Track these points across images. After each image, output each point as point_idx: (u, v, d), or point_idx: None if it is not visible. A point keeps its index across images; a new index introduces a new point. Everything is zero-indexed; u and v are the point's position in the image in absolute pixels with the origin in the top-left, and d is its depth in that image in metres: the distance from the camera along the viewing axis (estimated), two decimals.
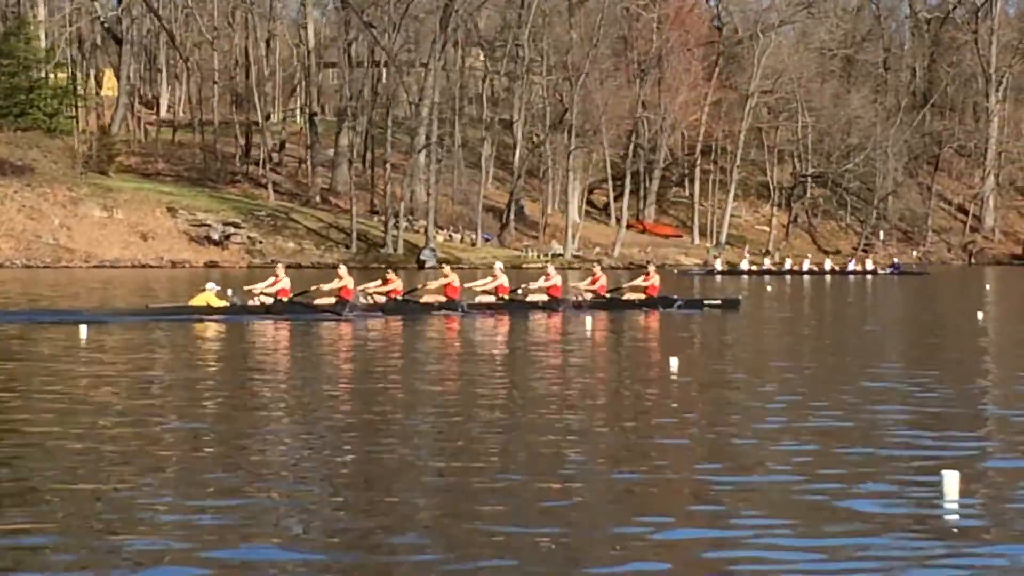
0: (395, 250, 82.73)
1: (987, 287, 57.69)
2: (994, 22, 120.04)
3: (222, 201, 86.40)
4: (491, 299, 33.77)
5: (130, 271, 71.98)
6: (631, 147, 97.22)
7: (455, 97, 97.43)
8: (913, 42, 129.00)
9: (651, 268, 37.13)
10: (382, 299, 32.34)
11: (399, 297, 32.68)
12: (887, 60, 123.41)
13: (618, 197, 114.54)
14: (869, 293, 54.02)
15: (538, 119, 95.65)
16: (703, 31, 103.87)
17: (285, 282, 31.51)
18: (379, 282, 33.32)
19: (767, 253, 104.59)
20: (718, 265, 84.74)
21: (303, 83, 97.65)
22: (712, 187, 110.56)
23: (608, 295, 35.42)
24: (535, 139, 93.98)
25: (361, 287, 32.64)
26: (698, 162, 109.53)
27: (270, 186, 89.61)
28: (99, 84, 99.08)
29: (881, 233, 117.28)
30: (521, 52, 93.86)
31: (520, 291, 34.55)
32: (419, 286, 35.45)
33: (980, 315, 33.70)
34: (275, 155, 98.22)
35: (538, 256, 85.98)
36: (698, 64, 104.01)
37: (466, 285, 34.12)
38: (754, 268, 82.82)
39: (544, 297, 34.23)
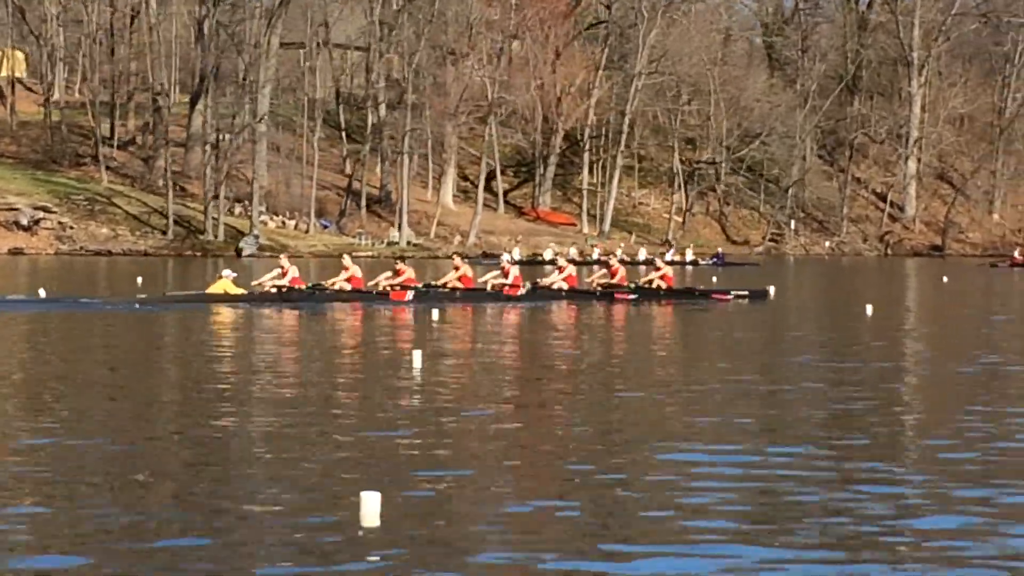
0: (215, 236, 78.65)
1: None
2: (915, 2, 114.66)
3: (40, 184, 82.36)
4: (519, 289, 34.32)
5: None
6: (487, 129, 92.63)
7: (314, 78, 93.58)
8: (846, 24, 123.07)
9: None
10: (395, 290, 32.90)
11: (415, 286, 32.90)
12: (804, 43, 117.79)
13: (522, 183, 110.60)
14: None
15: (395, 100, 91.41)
16: (564, 5, 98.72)
17: (293, 271, 32.30)
18: (389, 273, 33.58)
19: (665, 243, 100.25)
20: (596, 254, 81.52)
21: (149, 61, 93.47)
22: (607, 174, 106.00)
23: (630, 285, 36.27)
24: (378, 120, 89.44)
25: (372, 282, 32.95)
26: (586, 147, 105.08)
27: (103, 169, 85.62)
28: None
29: (792, 222, 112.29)
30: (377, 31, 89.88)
31: (538, 282, 35.89)
32: (436, 280, 35.49)
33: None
34: (139, 137, 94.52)
35: (373, 244, 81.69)
36: (573, 43, 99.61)
37: (478, 280, 34.88)
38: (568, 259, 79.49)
39: (564, 286, 35.15)
